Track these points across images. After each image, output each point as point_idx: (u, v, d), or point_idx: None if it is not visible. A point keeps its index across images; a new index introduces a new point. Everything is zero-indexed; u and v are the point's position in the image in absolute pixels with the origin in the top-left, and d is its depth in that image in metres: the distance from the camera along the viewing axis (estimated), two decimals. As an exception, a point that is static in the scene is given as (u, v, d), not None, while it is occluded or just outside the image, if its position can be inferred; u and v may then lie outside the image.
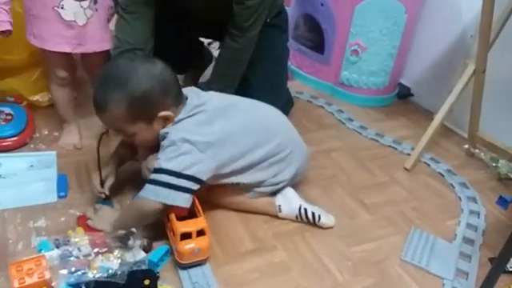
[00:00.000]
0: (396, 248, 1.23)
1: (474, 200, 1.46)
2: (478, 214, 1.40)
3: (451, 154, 1.72)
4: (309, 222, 1.26)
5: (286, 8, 1.70)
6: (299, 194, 1.29)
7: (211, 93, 1.22)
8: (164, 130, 1.10)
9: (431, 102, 1.97)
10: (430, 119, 1.66)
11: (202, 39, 1.90)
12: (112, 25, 1.44)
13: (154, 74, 1.07)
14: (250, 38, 1.43)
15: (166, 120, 1.10)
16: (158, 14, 1.40)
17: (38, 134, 1.53)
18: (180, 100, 1.13)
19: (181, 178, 1.04)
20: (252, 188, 1.25)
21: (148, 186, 1.06)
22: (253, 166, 1.20)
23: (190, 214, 1.11)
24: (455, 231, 1.32)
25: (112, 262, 1.01)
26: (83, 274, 0.98)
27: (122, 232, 1.08)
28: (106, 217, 1.14)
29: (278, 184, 1.27)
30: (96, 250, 1.04)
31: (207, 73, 1.82)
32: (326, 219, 1.26)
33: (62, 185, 1.29)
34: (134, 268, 1.00)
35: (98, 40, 1.37)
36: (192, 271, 1.07)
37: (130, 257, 1.04)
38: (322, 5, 1.96)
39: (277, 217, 1.28)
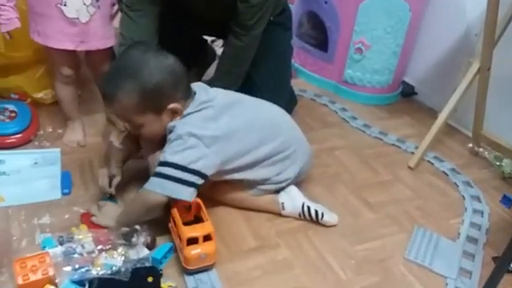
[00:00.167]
0: (399, 247, 1.23)
1: (478, 199, 1.46)
2: (482, 212, 1.40)
3: (455, 153, 1.72)
4: (312, 219, 1.26)
5: (290, 6, 1.70)
6: (302, 192, 1.29)
7: (217, 89, 1.22)
8: (171, 124, 1.10)
9: (435, 101, 1.97)
10: (434, 118, 1.66)
11: (205, 37, 1.90)
12: (116, 22, 1.44)
13: (165, 66, 1.08)
14: (254, 37, 1.42)
15: (175, 113, 1.11)
16: (162, 11, 1.40)
17: (42, 132, 1.54)
18: (189, 94, 1.14)
19: (186, 172, 1.05)
20: (256, 185, 1.25)
21: (153, 179, 1.06)
22: (257, 164, 1.20)
23: (197, 218, 1.11)
24: (459, 230, 1.31)
25: (116, 260, 1.01)
26: (87, 271, 0.98)
27: (125, 229, 1.09)
28: (110, 213, 1.15)
29: (281, 182, 1.27)
30: (100, 247, 1.05)
31: (210, 71, 1.82)
32: (329, 217, 1.26)
33: (66, 182, 1.30)
34: (138, 265, 1.00)
35: (101, 37, 1.37)
36: (195, 268, 1.07)
37: (133, 254, 1.04)
38: (325, 2, 1.95)
39: (280, 215, 1.28)
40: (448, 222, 1.35)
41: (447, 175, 1.57)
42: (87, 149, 1.48)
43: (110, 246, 1.05)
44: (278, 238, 1.21)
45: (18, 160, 1.38)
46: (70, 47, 1.33)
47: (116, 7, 1.44)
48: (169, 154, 1.07)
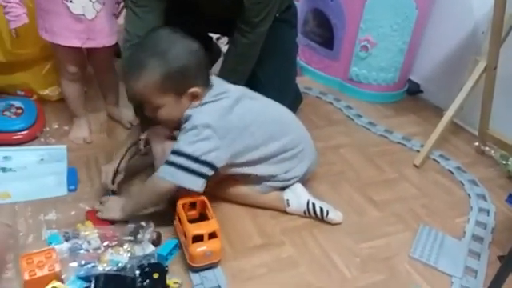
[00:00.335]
0: (405, 245, 1.22)
1: (484, 198, 1.45)
2: (488, 211, 1.39)
3: (461, 152, 1.71)
4: (317, 217, 1.26)
5: (295, 3, 1.69)
6: (307, 190, 1.29)
7: (229, 84, 1.23)
8: (188, 112, 1.11)
9: (441, 99, 1.96)
10: (440, 116, 1.65)
11: (210, 34, 1.89)
12: (120, 19, 1.44)
13: (191, 49, 1.10)
14: (260, 34, 1.42)
15: (195, 97, 1.12)
16: (167, 7, 1.40)
17: (48, 128, 1.54)
18: (208, 83, 1.15)
19: (198, 163, 1.07)
20: (262, 181, 1.25)
21: (165, 167, 1.08)
22: (266, 159, 1.21)
23: (202, 216, 1.12)
24: (464, 229, 1.31)
25: (122, 256, 1.02)
26: (93, 267, 0.99)
27: (131, 226, 1.09)
28: (114, 206, 1.16)
29: (289, 180, 1.27)
30: (106, 243, 1.05)
31: (215, 68, 1.82)
32: (334, 215, 1.26)
33: (72, 178, 1.31)
34: (143, 262, 1.01)
35: (107, 34, 1.37)
36: (200, 265, 1.08)
37: (139, 250, 1.04)
38: (331, 0, 1.95)
39: (285, 212, 1.28)
40: (453, 220, 1.35)
41: (453, 174, 1.56)
42: (93, 145, 1.49)
43: (116, 243, 1.06)
44: (282, 235, 1.21)
45: (25, 156, 1.40)
46: (77, 44, 1.34)
47: (121, 5, 1.44)
48: (183, 143, 1.08)
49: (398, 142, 1.72)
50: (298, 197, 1.26)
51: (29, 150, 1.43)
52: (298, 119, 1.35)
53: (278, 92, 1.44)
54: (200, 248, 1.03)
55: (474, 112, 1.66)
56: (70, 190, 1.27)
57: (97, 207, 1.18)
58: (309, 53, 2.18)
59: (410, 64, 2.07)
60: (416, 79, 2.13)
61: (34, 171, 1.34)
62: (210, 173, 1.09)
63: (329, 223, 1.26)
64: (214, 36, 1.97)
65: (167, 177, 1.07)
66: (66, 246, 1.04)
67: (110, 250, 1.03)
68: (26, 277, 0.93)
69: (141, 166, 1.34)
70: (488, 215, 1.37)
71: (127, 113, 1.57)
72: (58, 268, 0.96)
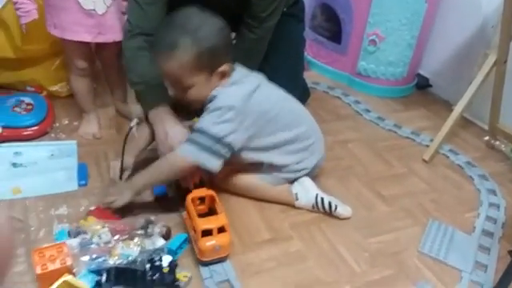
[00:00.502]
0: (414, 240, 1.22)
1: (494, 192, 1.44)
2: (498, 206, 1.38)
3: (471, 146, 1.70)
4: (325, 211, 1.26)
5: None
6: (316, 185, 1.29)
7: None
8: (213, 93, 1.13)
9: (450, 93, 1.94)
10: (449, 110, 1.64)
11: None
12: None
13: (221, 28, 1.11)
14: (268, 29, 1.41)
15: (224, 75, 1.13)
16: (171, 0, 1.39)
17: (57, 124, 1.56)
18: (232, 63, 1.16)
19: (220, 144, 1.09)
20: (273, 172, 1.26)
21: (188, 146, 1.09)
22: (279, 147, 1.23)
23: (211, 210, 1.12)
24: (474, 223, 1.30)
25: (132, 249, 1.03)
26: (104, 260, 1.00)
27: (141, 220, 1.10)
28: (123, 187, 1.15)
29: (299, 171, 1.28)
30: (116, 237, 1.06)
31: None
32: (343, 210, 1.26)
33: (83, 173, 1.32)
34: (153, 255, 1.01)
35: (118, 29, 1.38)
36: (210, 259, 1.08)
37: (149, 244, 1.05)
38: (339, -6, 1.94)
39: (293, 206, 1.28)
40: (463, 215, 1.34)
41: (462, 168, 1.55)
42: (102, 141, 1.50)
43: (126, 237, 1.07)
44: (291, 230, 1.21)
45: (35, 152, 1.41)
46: (88, 38, 1.35)
47: None
48: (208, 123, 1.09)
49: (407, 137, 1.71)
50: (306, 191, 1.26)
51: (39, 145, 1.44)
52: (309, 113, 1.35)
53: (285, 87, 1.43)
54: (209, 242, 1.04)
55: (484, 106, 1.65)
56: (80, 185, 1.28)
57: (107, 200, 1.16)
58: (316, 47, 2.17)
59: (419, 58, 2.05)
60: (425, 73, 2.11)
61: (45, 166, 1.35)
62: (228, 154, 1.11)
63: (337, 218, 1.26)
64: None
65: (190, 155, 1.09)
66: (76, 240, 1.05)
67: (120, 244, 1.04)
68: (38, 271, 0.94)
69: (148, 161, 1.34)
70: (498, 210, 1.36)
71: (135, 109, 1.57)
72: (69, 262, 0.97)
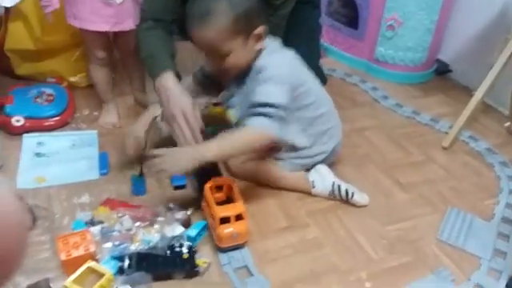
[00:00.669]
0: (432, 227, 1.21)
1: (515, 179, 1.42)
2: (519, 193, 1.36)
3: (491, 132, 1.67)
4: (342, 199, 1.26)
5: (320, -17, 1.66)
6: (332, 172, 1.30)
7: None
8: (261, 63, 1.14)
9: (470, 79, 1.90)
10: (469, 96, 1.61)
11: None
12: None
13: None
14: (282, 16, 1.40)
15: (260, 38, 1.14)
16: None
17: (78, 114, 1.59)
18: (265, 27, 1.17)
19: (279, 109, 1.10)
20: (290, 157, 1.27)
21: (265, 121, 1.09)
22: (303, 125, 1.24)
23: (229, 199, 1.14)
24: (494, 211, 1.29)
25: (153, 235, 1.05)
26: (126, 246, 1.03)
27: (161, 208, 1.12)
28: (180, 155, 1.09)
29: (317, 155, 1.29)
30: (137, 223, 1.09)
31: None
32: (360, 197, 1.26)
33: (104, 162, 1.34)
34: (173, 242, 1.04)
35: (133, 16, 1.38)
36: (228, 246, 1.10)
37: (169, 231, 1.07)
38: (356, -21, 1.91)
39: (310, 194, 1.28)
40: (483, 202, 1.32)
41: (482, 155, 1.53)
42: (122, 130, 1.52)
43: (147, 223, 1.09)
44: (308, 217, 1.22)
45: (57, 142, 1.44)
46: (105, 28, 1.36)
47: None
48: (272, 95, 1.10)
49: (426, 124, 1.69)
50: (323, 178, 1.27)
51: (61, 135, 1.48)
52: (330, 98, 1.35)
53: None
54: (227, 230, 1.05)
55: (505, 91, 1.61)
56: (101, 174, 1.31)
57: (153, 161, 1.08)
58: (333, 33, 2.15)
59: (439, 43, 2.01)
60: (445, 59, 2.07)
61: (67, 156, 1.39)
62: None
63: (354, 205, 1.26)
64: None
65: (270, 130, 1.10)
66: (98, 228, 1.08)
67: (141, 230, 1.07)
68: (63, 257, 0.98)
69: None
70: (519, 197, 1.35)
71: (154, 98, 1.59)
72: (92, 248, 1.00)
